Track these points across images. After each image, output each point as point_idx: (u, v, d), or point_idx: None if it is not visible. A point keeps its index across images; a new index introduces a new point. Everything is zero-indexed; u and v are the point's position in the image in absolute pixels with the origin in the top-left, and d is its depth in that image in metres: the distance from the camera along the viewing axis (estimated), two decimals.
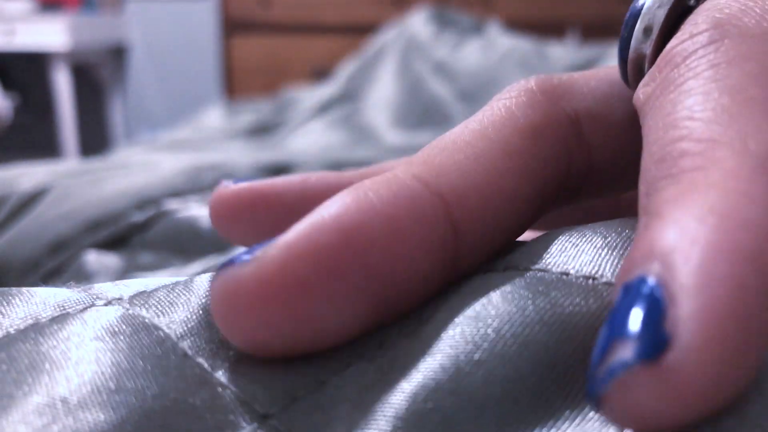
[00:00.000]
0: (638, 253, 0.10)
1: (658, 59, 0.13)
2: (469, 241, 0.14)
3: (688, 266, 0.09)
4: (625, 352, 0.09)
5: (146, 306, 0.14)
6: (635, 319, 0.10)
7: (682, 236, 0.10)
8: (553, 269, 0.13)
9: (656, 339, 0.09)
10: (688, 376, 0.09)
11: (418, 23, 1.10)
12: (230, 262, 0.12)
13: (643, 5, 0.15)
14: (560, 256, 0.13)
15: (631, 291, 0.10)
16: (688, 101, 0.12)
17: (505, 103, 0.15)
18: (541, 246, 0.14)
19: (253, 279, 0.12)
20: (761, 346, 0.09)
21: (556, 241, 0.14)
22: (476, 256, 0.14)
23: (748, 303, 0.09)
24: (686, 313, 0.09)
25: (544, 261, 0.14)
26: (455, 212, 0.13)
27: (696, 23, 0.13)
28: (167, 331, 0.13)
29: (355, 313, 0.13)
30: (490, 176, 0.14)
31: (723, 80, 0.12)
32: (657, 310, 0.09)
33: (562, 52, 1.01)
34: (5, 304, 0.14)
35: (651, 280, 0.10)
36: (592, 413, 0.11)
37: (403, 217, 0.13)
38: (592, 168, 0.17)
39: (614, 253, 0.13)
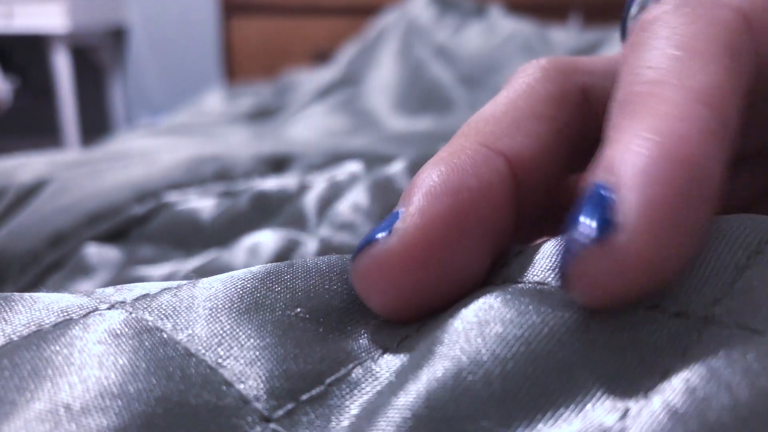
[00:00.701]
0: (594, 172, 0.13)
1: (634, 26, 0.16)
2: (525, 195, 0.16)
3: (632, 170, 0.12)
4: (582, 236, 0.12)
5: (149, 309, 0.14)
6: (591, 213, 0.12)
7: (628, 150, 0.12)
8: (552, 283, 0.13)
9: (606, 225, 0.12)
10: (632, 252, 0.11)
11: (419, 6, 1.09)
12: (370, 241, 0.14)
13: None
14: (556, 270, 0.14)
15: (588, 195, 0.12)
16: (646, 55, 0.14)
17: (525, 80, 0.18)
18: (536, 258, 0.14)
19: (401, 246, 0.14)
20: (692, 233, 0.12)
21: (551, 253, 0.14)
22: (531, 209, 0.17)
23: (679, 195, 0.12)
24: (629, 203, 0.12)
25: (543, 274, 0.14)
26: (515, 168, 0.16)
27: None
28: (170, 332, 0.13)
29: (480, 259, 0.15)
30: (531, 138, 0.16)
31: (675, 37, 0.14)
32: (607, 205, 0.12)
33: (565, 36, 1.01)
34: (8, 311, 0.13)
35: (603, 185, 0.12)
36: (594, 407, 0.11)
37: (487, 173, 0.15)
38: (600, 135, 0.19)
39: None
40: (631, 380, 0.11)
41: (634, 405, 0.11)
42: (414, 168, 0.43)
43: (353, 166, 0.44)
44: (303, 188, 0.41)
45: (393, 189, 0.40)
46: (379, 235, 0.14)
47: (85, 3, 2.11)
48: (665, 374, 0.11)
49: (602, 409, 0.11)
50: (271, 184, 0.41)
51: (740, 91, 0.14)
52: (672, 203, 0.11)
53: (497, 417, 0.11)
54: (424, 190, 0.14)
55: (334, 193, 0.40)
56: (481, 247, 0.15)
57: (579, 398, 0.11)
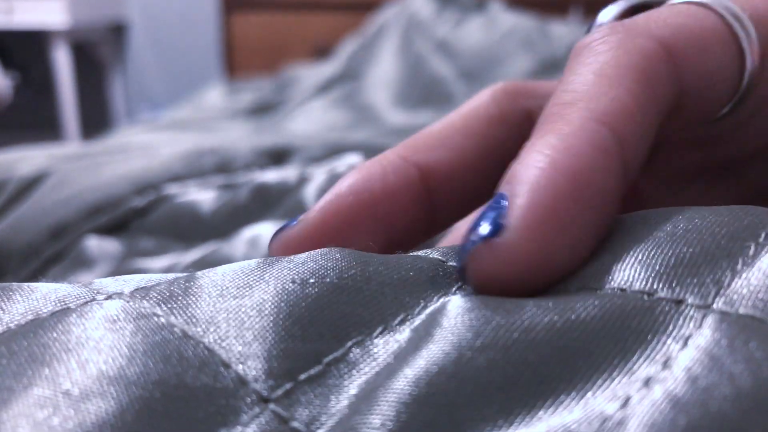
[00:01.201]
0: (499, 185, 0.14)
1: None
2: (441, 200, 0.19)
3: (521, 179, 0.14)
4: (475, 236, 0.14)
5: (147, 298, 0.14)
6: (487, 218, 0.14)
7: (525, 165, 0.14)
8: None
9: (495, 225, 0.13)
10: (513, 249, 0.13)
11: (419, 1, 1.09)
12: (284, 227, 0.17)
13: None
14: None
15: (489, 204, 0.14)
16: (569, 79, 0.16)
17: (473, 102, 0.20)
18: None
19: (301, 233, 0.17)
20: (577, 236, 0.13)
21: None
22: (450, 213, 0.19)
23: (562, 202, 0.13)
24: (515, 207, 0.13)
25: None
26: (428, 178, 0.18)
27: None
28: (168, 316, 0.13)
29: (374, 251, 0.16)
30: (454, 152, 0.19)
31: (594, 64, 0.16)
32: (499, 209, 0.14)
33: (565, 31, 1.01)
34: (5, 300, 0.13)
35: (502, 195, 0.14)
36: (594, 395, 0.11)
37: (393, 180, 0.18)
38: None
39: (606, 260, 0.14)
40: (633, 369, 0.11)
41: (635, 393, 0.11)
42: None
43: (353, 159, 0.44)
44: (303, 180, 0.41)
45: None
46: (292, 223, 0.17)
47: None
48: (667, 363, 0.11)
49: (603, 398, 0.11)
50: (271, 176, 0.41)
51: (649, 112, 0.15)
52: (554, 208, 0.13)
53: (498, 404, 0.11)
54: (334, 190, 0.17)
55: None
56: (375, 241, 0.17)
57: (580, 386, 0.11)
